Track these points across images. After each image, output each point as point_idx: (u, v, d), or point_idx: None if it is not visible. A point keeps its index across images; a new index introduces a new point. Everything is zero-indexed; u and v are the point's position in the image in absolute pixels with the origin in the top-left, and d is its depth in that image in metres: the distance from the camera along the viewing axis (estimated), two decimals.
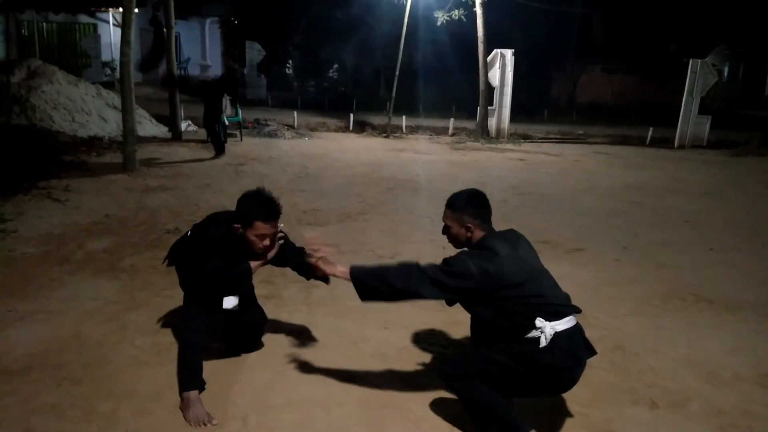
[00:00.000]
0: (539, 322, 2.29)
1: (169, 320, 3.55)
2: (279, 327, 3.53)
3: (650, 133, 14.78)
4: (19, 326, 3.42)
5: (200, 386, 2.72)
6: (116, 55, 17.28)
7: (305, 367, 3.10)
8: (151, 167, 8.38)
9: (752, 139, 13.47)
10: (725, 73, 27.22)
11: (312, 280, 2.95)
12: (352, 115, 15.90)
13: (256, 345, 3.25)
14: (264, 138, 12.40)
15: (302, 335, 3.48)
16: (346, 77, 25.18)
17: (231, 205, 2.80)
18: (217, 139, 9.54)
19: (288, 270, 3.05)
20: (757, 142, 13.22)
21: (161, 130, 11.84)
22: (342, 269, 2.45)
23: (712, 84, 14.23)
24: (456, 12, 14.62)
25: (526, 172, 9.80)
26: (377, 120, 16.15)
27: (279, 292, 4.09)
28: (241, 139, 11.67)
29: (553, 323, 2.30)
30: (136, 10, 8.91)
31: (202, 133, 10.44)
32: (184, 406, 2.63)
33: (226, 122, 9.77)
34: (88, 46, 20.57)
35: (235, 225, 2.67)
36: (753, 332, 3.77)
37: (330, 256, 2.57)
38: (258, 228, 2.64)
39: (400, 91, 14.63)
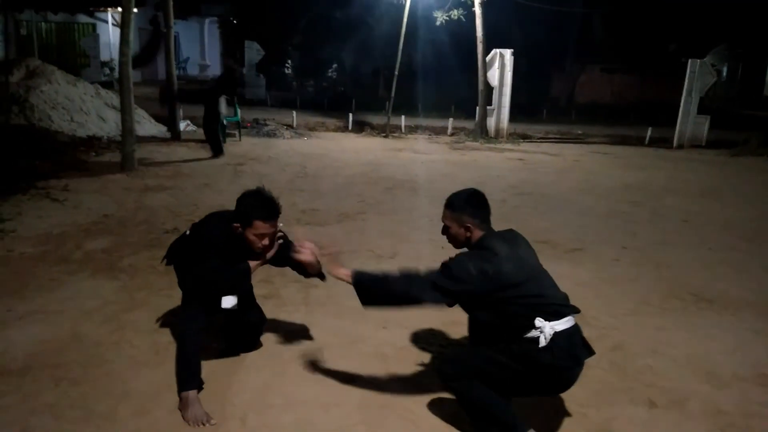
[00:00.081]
0: (539, 321, 2.29)
1: (167, 320, 3.55)
2: (278, 327, 3.53)
3: (649, 132, 14.79)
4: (18, 326, 3.42)
5: (199, 386, 2.72)
6: (115, 54, 17.28)
7: (304, 367, 3.10)
8: (149, 167, 8.37)
9: (751, 138, 13.48)
10: (724, 73, 27.21)
11: (311, 278, 2.95)
12: (351, 114, 15.89)
13: (255, 345, 3.25)
14: (263, 138, 12.39)
15: (301, 335, 3.48)
16: (345, 77, 25.17)
17: (230, 205, 2.80)
18: (215, 140, 9.53)
19: (287, 270, 3.05)
20: (756, 142, 13.23)
21: (160, 130, 11.83)
22: (345, 272, 2.45)
23: (711, 84, 14.24)
24: (455, 12, 14.61)
25: (525, 172, 9.80)
26: (376, 120, 16.15)
27: (278, 292, 4.09)
28: (240, 139, 11.66)
29: (552, 323, 2.30)
30: (135, 10, 8.90)
31: (201, 133, 10.43)
32: (183, 405, 2.62)
33: (224, 122, 9.76)
34: (87, 45, 20.55)
35: (235, 224, 2.67)
36: (752, 332, 3.77)
37: (338, 257, 2.57)
38: (257, 227, 2.64)
39: (399, 90, 14.62)
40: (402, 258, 4.99)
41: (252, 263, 2.77)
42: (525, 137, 15.04)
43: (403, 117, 15.51)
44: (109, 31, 21.44)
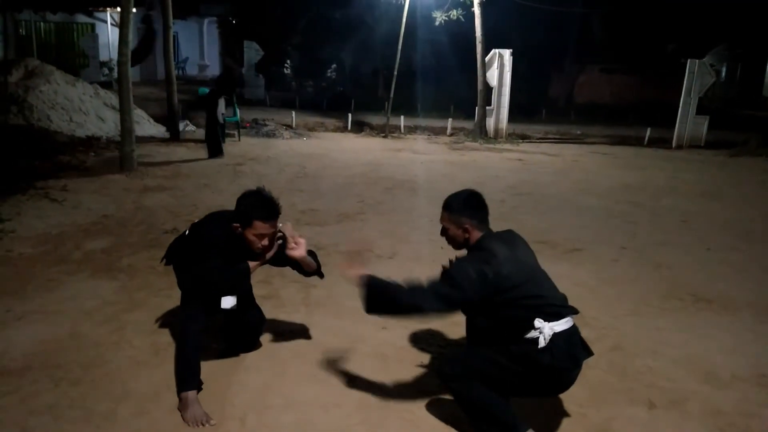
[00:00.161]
0: (538, 322, 2.29)
1: (167, 320, 3.55)
2: (277, 327, 3.53)
3: (648, 133, 14.80)
4: (17, 326, 3.41)
5: (198, 386, 2.71)
6: (114, 54, 17.25)
7: (304, 368, 3.09)
8: (149, 167, 8.36)
9: (750, 139, 13.49)
10: (723, 74, 27.24)
11: (310, 277, 2.95)
12: (350, 115, 15.90)
13: (255, 345, 3.25)
14: (262, 138, 12.39)
15: (301, 335, 3.48)
16: (344, 77, 25.15)
17: (229, 205, 2.80)
18: (214, 141, 9.51)
19: (286, 270, 3.04)
20: (755, 143, 13.24)
21: (159, 130, 11.83)
22: (358, 274, 2.39)
23: (710, 84, 14.25)
24: (454, 12, 14.62)
25: (524, 173, 9.80)
26: (375, 120, 16.15)
27: (277, 292, 4.08)
28: (239, 139, 11.66)
29: (551, 324, 2.30)
30: (134, 10, 8.89)
31: (201, 133, 10.44)
32: (182, 406, 2.62)
33: (221, 121, 9.75)
34: (85, 45, 20.53)
35: (234, 224, 2.67)
36: (751, 332, 3.77)
37: (360, 257, 2.51)
38: (257, 227, 2.64)
39: (398, 91, 14.63)
40: (401, 258, 4.99)
41: (251, 264, 2.77)
42: (524, 137, 15.05)
43: (402, 117, 15.51)
44: (108, 31, 21.41)
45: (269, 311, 3.52)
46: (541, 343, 2.28)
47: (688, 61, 13.98)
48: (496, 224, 2.58)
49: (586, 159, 11.82)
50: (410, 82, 20.45)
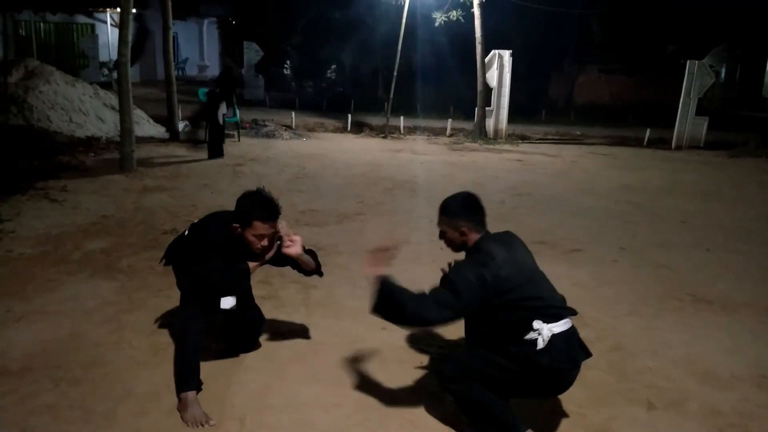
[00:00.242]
0: (537, 324, 2.30)
1: (166, 321, 3.55)
2: (277, 327, 3.53)
3: (648, 133, 14.80)
4: (17, 327, 3.41)
5: (198, 386, 2.71)
6: (114, 55, 17.25)
7: (303, 368, 3.10)
8: (148, 167, 8.36)
9: (750, 140, 13.50)
10: (723, 75, 27.26)
11: (310, 277, 2.95)
12: (350, 115, 15.89)
13: (254, 345, 3.25)
14: (262, 138, 12.39)
15: (300, 336, 3.48)
16: (344, 78, 25.14)
17: (229, 206, 2.80)
18: (215, 143, 9.51)
19: (286, 271, 3.05)
20: (755, 144, 13.25)
21: (159, 131, 11.82)
22: (376, 272, 2.34)
23: (710, 85, 14.25)
24: (454, 13, 14.60)
25: (523, 173, 9.80)
26: (375, 120, 16.15)
27: (277, 293, 4.09)
28: (239, 140, 11.65)
29: (550, 325, 2.31)
30: (134, 11, 8.89)
31: (200, 134, 10.43)
32: (182, 406, 2.62)
33: (221, 122, 9.75)
34: (85, 46, 20.54)
35: (234, 225, 2.68)
36: (750, 333, 3.78)
37: (386, 258, 2.43)
38: (257, 228, 2.64)
39: (398, 91, 14.62)
40: (401, 259, 4.94)
41: (251, 264, 2.77)
42: (524, 138, 15.05)
43: (402, 118, 15.51)
44: (108, 31, 21.42)
45: (269, 311, 3.53)
46: (540, 345, 2.28)
47: (688, 61, 13.98)
48: (495, 225, 2.59)
49: (585, 159, 11.82)
50: (410, 82, 20.44)
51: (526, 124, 17.40)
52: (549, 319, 2.32)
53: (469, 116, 15.71)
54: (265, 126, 13.26)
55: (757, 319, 4.00)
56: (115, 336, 3.35)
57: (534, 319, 2.30)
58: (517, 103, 16.16)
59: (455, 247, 2.54)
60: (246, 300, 3.04)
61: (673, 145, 14.08)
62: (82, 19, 21.63)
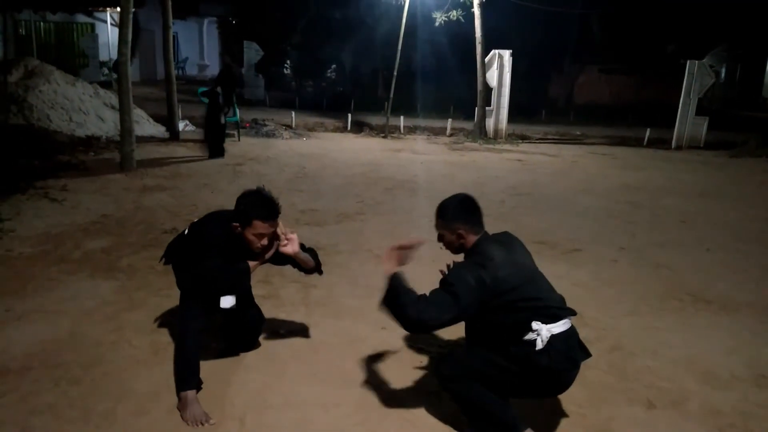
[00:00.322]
0: (536, 324, 2.30)
1: (166, 320, 3.55)
2: (277, 327, 3.53)
3: (648, 133, 14.81)
4: (17, 326, 3.41)
5: (198, 386, 2.72)
6: (114, 54, 17.25)
7: (303, 367, 3.10)
8: (148, 167, 8.36)
9: (750, 140, 13.51)
10: (723, 75, 27.29)
11: (310, 276, 2.95)
12: (350, 115, 15.90)
13: (254, 345, 3.25)
14: (262, 138, 12.39)
15: (300, 335, 3.48)
16: (344, 77, 25.15)
17: (229, 205, 2.80)
18: (215, 142, 9.50)
19: (286, 270, 3.05)
20: (755, 144, 13.25)
21: (159, 130, 11.82)
22: (391, 269, 2.37)
23: (710, 85, 14.25)
24: (454, 12, 14.61)
25: (523, 173, 9.80)
26: (375, 120, 16.16)
27: (277, 292, 4.09)
28: (239, 139, 11.66)
29: (549, 326, 2.31)
30: (134, 10, 8.88)
31: (200, 133, 10.43)
32: (182, 405, 2.63)
33: (222, 121, 9.74)
34: (85, 45, 20.53)
35: (234, 224, 2.68)
36: (750, 332, 3.78)
37: (404, 256, 2.45)
38: (257, 227, 2.64)
39: (398, 91, 14.62)
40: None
41: (251, 263, 2.77)
42: (524, 138, 15.06)
43: (402, 117, 15.52)
44: (108, 31, 21.41)
45: (269, 311, 3.53)
46: (539, 345, 2.28)
47: (688, 61, 13.98)
48: (495, 224, 2.59)
49: (585, 159, 11.82)
50: (410, 82, 20.46)
51: (526, 124, 17.42)
52: (548, 319, 2.32)
53: (469, 116, 15.71)
54: (265, 125, 13.26)
55: (757, 319, 4.00)
56: (115, 335, 3.35)
57: (533, 320, 2.30)
58: (517, 103, 16.16)
59: (454, 249, 2.54)
60: (246, 299, 3.04)
61: (673, 145, 14.09)
62: (82, 18, 21.62)
